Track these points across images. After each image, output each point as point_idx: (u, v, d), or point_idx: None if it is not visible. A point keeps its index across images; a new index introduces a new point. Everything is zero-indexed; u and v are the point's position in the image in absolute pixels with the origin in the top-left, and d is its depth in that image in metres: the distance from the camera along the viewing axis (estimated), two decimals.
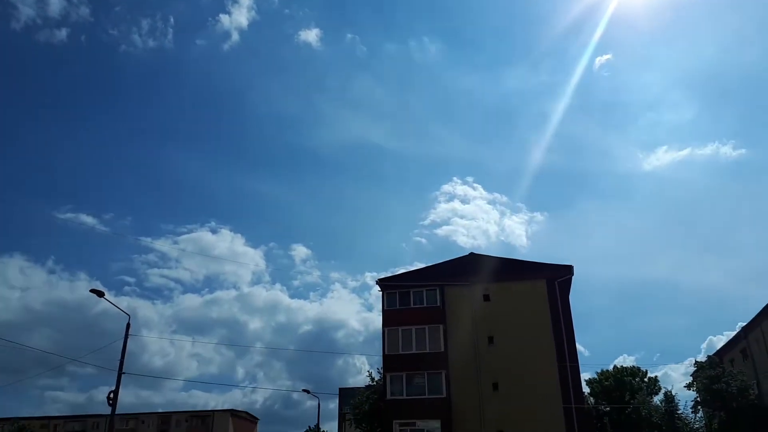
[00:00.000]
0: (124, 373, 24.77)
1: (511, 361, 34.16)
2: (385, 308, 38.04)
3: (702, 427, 44.28)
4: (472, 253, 39.61)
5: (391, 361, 36.25)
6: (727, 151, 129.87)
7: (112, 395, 24.27)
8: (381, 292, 38.66)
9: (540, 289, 36.14)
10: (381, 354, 37.36)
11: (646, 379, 54.96)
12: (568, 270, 36.74)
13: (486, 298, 36.98)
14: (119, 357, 24.97)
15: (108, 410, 25.25)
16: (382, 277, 39.57)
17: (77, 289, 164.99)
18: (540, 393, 32.82)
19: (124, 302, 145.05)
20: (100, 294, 24.56)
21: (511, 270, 37.04)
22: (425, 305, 37.34)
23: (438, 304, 37.10)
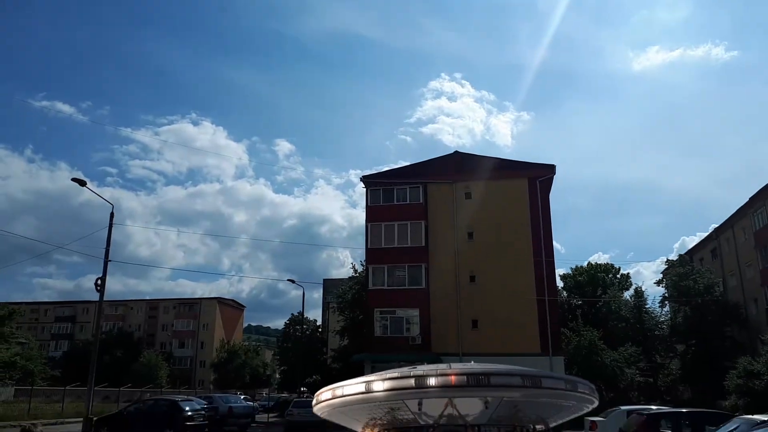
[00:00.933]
0: (110, 260, 25.22)
1: (489, 255, 35.26)
2: (369, 204, 38.53)
3: (668, 320, 46.91)
4: (456, 151, 39.72)
5: (373, 255, 37.26)
6: (719, 52, 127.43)
7: (99, 282, 24.84)
8: (365, 189, 38.98)
9: (521, 187, 36.64)
10: (364, 248, 38.33)
11: (618, 276, 57.34)
12: (550, 169, 37.12)
13: (468, 195, 37.53)
14: (105, 246, 25.33)
15: (97, 296, 25.96)
16: (367, 174, 39.74)
17: (58, 179, 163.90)
18: (515, 285, 34.20)
19: (106, 193, 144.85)
20: (82, 183, 24.40)
21: (493, 169, 37.30)
22: (408, 202, 37.85)
23: (421, 201, 37.63)
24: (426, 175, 38.00)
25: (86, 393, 25.11)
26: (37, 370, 34.78)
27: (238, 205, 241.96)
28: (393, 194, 38.34)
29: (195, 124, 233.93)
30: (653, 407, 20.70)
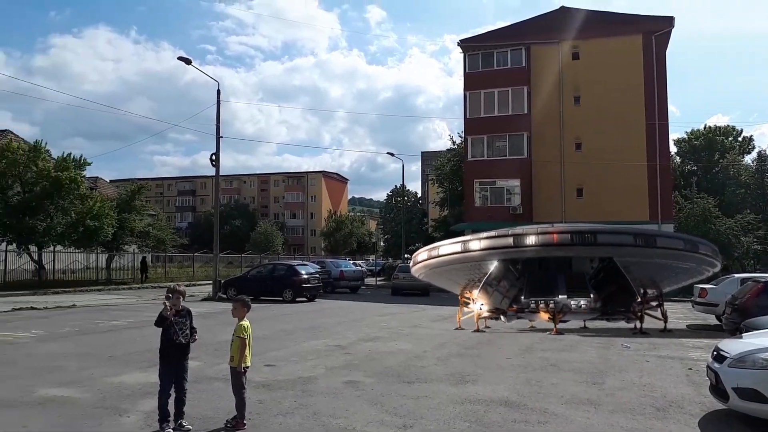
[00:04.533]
0: (222, 137, 26.59)
1: (596, 120, 33.44)
2: (466, 71, 37.13)
3: None
4: (562, 6, 36.42)
5: (472, 125, 36.52)
6: None
7: (214, 157, 26.44)
8: (462, 54, 37.40)
9: (634, 44, 33.60)
10: (462, 118, 37.59)
11: (739, 139, 52.90)
12: (667, 22, 33.56)
13: (575, 56, 35.05)
14: (214, 123, 26.61)
15: (213, 171, 27.80)
16: (464, 38, 37.88)
17: (164, 59, 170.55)
18: (624, 151, 32.52)
19: (209, 70, 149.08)
20: (188, 61, 25.23)
21: (604, 24, 34.17)
22: (509, 66, 36.02)
23: (523, 65, 35.69)
24: (528, 36, 35.62)
25: (213, 259, 27.79)
26: (168, 238, 38.50)
27: (333, 78, 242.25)
28: (493, 59, 36.54)
29: None
30: None
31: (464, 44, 37.40)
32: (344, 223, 79.00)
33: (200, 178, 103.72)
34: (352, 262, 42.79)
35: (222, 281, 26.36)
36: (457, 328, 15.13)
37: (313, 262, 31.63)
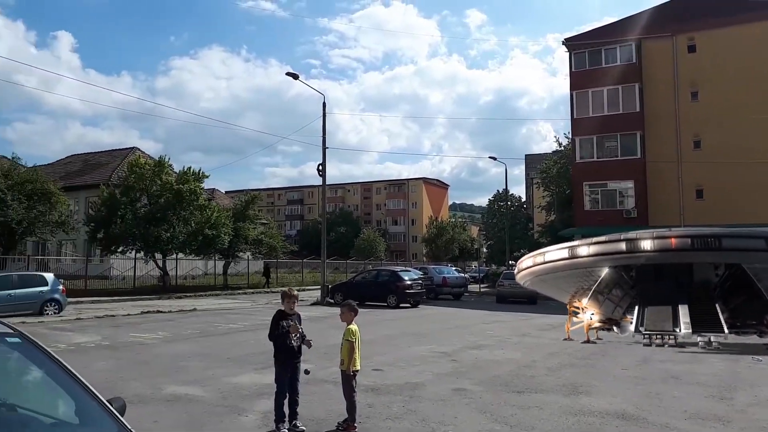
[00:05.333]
0: (327, 147, 27.44)
1: (717, 116, 31.01)
2: (572, 70, 35.81)
3: None
4: None
5: (580, 125, 35.14)
6: None
7: (320, 168, 27.34)
8: (568, 53, 36.15)
9: (763, 31, 30.87)
10: (569, 119, 36.31)
11: None
12: None
13: (691, 49, 32.76)
14: (320, 135, 27.52)
15: (319, 180, 28.76)
16: (569, 36, 36.61)
17: (271, 75, 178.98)
18: (750, 148, 29.90)
19: (314, 84, 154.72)
20: (295, 77, 26.31)
21: (726, 12, 31.62)
22: (618, 63, 34.32)
23: (633, 61, 33.87)
24: (639, 30, 33.76)
25: (320, 264, 28.71)
26: (279, 245, 40.27)
27: (433, 85, 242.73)
28: (600, 56, 34.97)
29: (386, 5, 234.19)
30: None
31: (569, 43, 36.14)
32: (445, 229, 78.69)
33: (307, 188, 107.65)
34: (454, 268, 42.52)
35: (329, 286, 27.15)
36: (565, 339, 14.48)
37: (416, 269, 31.77)
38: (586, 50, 35.24)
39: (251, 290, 34.76)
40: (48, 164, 45.88)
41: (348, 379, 6.20)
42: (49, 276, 20.47)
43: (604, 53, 34.79)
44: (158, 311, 21.02)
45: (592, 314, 14.98)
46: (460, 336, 15.15)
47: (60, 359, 2.99)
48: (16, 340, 3.03)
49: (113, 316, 19.30)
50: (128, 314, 19.85)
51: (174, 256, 32.66)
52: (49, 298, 19.44)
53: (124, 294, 28.21)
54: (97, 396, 2.87)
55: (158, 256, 31.37)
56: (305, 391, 6.79)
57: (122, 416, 2.88)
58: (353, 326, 6.27)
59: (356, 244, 74.58)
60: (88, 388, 2.90)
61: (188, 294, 29.92)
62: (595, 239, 14.93)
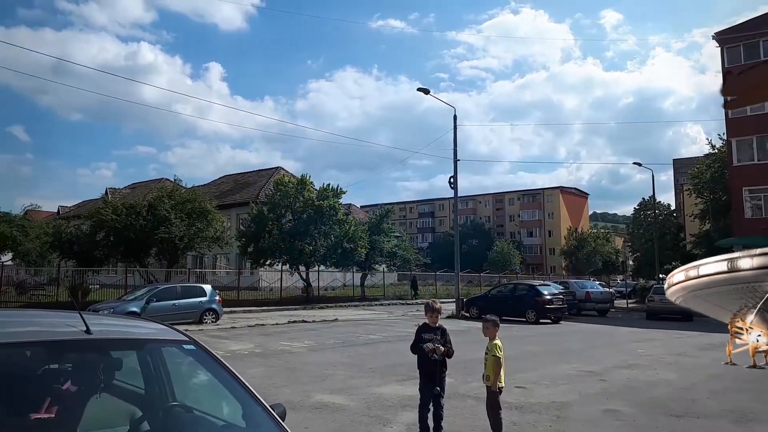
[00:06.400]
0: (459, 160, 27.40)
1: None
2: (726, 66, 32.73)
3: None
4: None
5: (736, 125, 31.95)
6: None
7: (452, 180, 27.32)
8: (719, 48, 33.12)
9: None
10: (723, 119, 33.15)
11: None
12: None
13: None
14: (450, 147, 27.56)
15: (449, 193, 28.76)
16: (719, 30, 33.53)
17: (401, 91, 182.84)
18: None
19: (443, 97, 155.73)
20: (426, 91, 26.60)
21: None
22: None
23: None
24: None
25: (454, 278, 28.61)
26: (413, 258, 40.80)
27: (567, 90, 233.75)
28: (758, 49, 31.61)
29: (515, 12, 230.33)
30: None
31: (721, 37, 33.10)
32: (586, 240, 75.06)
33: (438, 200, 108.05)
34: (598, 282, 40.30)
35: (464, 300, 26.91)
36: (727, 363, 12.90)
37: (555, 282, 30.51)
38: (741, 43, 32.07)
39: (387, 302, 35.43)
40: (204, 185, 50.35)
41: (494, 396, 6.06)
42: (207, 287, 22.33)
43: (763, 45, 31.44)
44: (303, 321, 22.11)
45: (759, 336, 13.33)
46: (607, 354, 14.27)
47: (228, 365, 3.20)
48: (191, 347, 3.30)
49: (263, 325, 20.59)
50: (276, 323, 21.08)
51: (316, 268, 34.24)
52: (207, 307, 21.19)
53: (272, 304, 30.03)
54: (261, 401, 3.03)
55: (302, 268, 33.05)
56: (447, 405, 6.72)
57: (283, 421, 3.02)
58: (498, 341, 6.14)
59: (489, 257, 73.38)
60: (254, 393, 3.08)
61: (329, 304, 31.18)
62: (760, 250, 13.33)
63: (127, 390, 3.27)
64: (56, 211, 61.15)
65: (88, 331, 2.90)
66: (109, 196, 42.70)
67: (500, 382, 6.05)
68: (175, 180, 37.94)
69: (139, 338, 3.36)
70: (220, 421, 3.10)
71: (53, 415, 2.61)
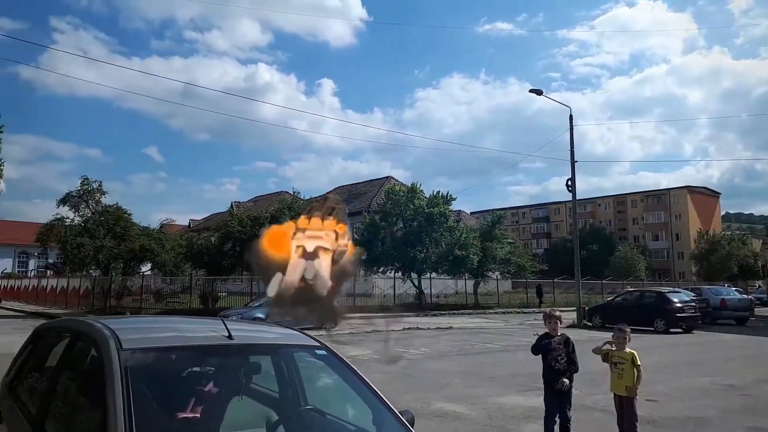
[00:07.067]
0: (576, 161, 26.37)
1: None
2: None
3: None
4: None
5: None
6: None
7: (570, 183, 26.33)
8: None
9: None
10: None
11: None
12: None
13: None
14: (564, 149, 26.60)
15: (564, 197, 27.71)
16: None
17: (510, 93, 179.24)
18: None
19: (555, 97, 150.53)
20: (539, 92, 25.92)
21: None
22: None
23: None
24: None
25: (574, 285, 27.49)
26: (528, 264, 39.71)
27: (691, 82, 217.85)
28: None
29: (630, 5, 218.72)
30: None
31: None
32: (719, 243, 69.19)
33: (553, 204, 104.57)
34: (734, 289, 37.02)
35: (585, 308, 25.78)
36: None
37: (686, 289, 28.38)
38: None
39: (502, 310, 34.73)
40: (319, 196, 52.27)
41: (631, 407, 5.82)
42: None
43: None
44: (417, 328, 22.21)
45: None
46: (749, 367, 13.05)
47: (358, 371, 3.28)
48: (323, 352, 3.43)
49: (379, 331, 20.93)
50: (392, 330, 21.36)
51: (428, 275, 34.33)
52: None
53: (386, 311, 30.46)
54: (391, 407, 3.07)
55: (414, 275, 33.27)
56: (573, 418, 6.46)
57: (412, 428, 3.03)
58: (634, 351, 5.91)
59: (611, 263, 69.70)
60: (383, 399, 3.12)
61: (442, 312, 31.10)
62: None
63: (263, 393, 3.45)
64: (187, 224, 66.12)
65: (230, 337, 3.09)
66: (234, 209, 45.53)
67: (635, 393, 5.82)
68: (294, 192, 39.70)
69: (275, 343, 3.55)
70: (351, 425, 3.18)
71: (198, 415, 2.81)
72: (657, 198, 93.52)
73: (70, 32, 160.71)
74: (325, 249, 3.19)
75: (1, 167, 30.39)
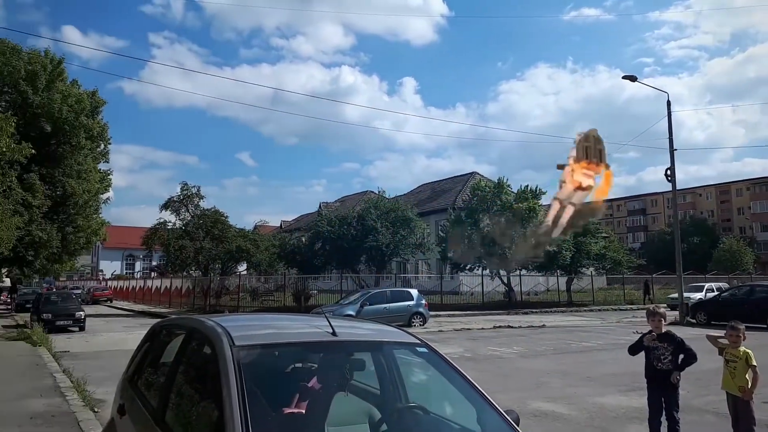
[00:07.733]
0: (675, 149, 24.93)
1: None
2: None
3: None
4: None
5: None
6: None
7: (668, 172, 24.92)
8: None
9: None
10: None
11: None
12: None
13: None
14: (658, 137, 25.24)
15: (662, 187, 26.22)
16: None
17: (599, 81, 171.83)
18: None
19: (649, 83, 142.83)
20: (633, 78, 24.66)
21: None
22: None
23: None
24: None
25: (676, 280, 26.01)
26: (624, 259, 37.96)
27: None
28: None
29: None
30: None
31: None
32: None
33: (649, 196, 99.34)
34: None
35: (689, 304, 24.34)
36: None
37: None
38: None
39: (597, 307, 33.44)
40: (403, 194, 52.51)
41: (748, 409, 5.43)
42: (414, 292, 23.21)
43: None
44: (509, 326, 21.82)
45: None
46: None
47: (459, 368, 3.24)
48: (424, 349, 3.42)
49: (469, 329, 20.76)
50: (482, 328, 21.11)
51: (518, 272, 33.62)
52: (415, 311, 22.03)
53: (474, 309, 30.17)
54: (496, 406, 3.01)
55: (502, 272, 32.69)
56: (681, 420, 6.11)
57: (518, 427, 2.96)
58: (749, 350, 5.51)
59: (714, 256, 65.33)
60: (488, 398, 3.07)
61: (533, 310, 30.38)
62: None
63: (364, 389, 3.48)
64: (279, 225, 68.47)
65: (334, 333, 3.15)
66: (323, 209, 46.64)
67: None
68: (378, 191, 40.14)
69: (377, 340, 3.58)
70: (455, 424, 3.14)
71: (304, 411, 2.88)
72: (765, 186, 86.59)
73: (166, 46, 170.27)
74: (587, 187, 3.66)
75: (110, 176, 32.90)
